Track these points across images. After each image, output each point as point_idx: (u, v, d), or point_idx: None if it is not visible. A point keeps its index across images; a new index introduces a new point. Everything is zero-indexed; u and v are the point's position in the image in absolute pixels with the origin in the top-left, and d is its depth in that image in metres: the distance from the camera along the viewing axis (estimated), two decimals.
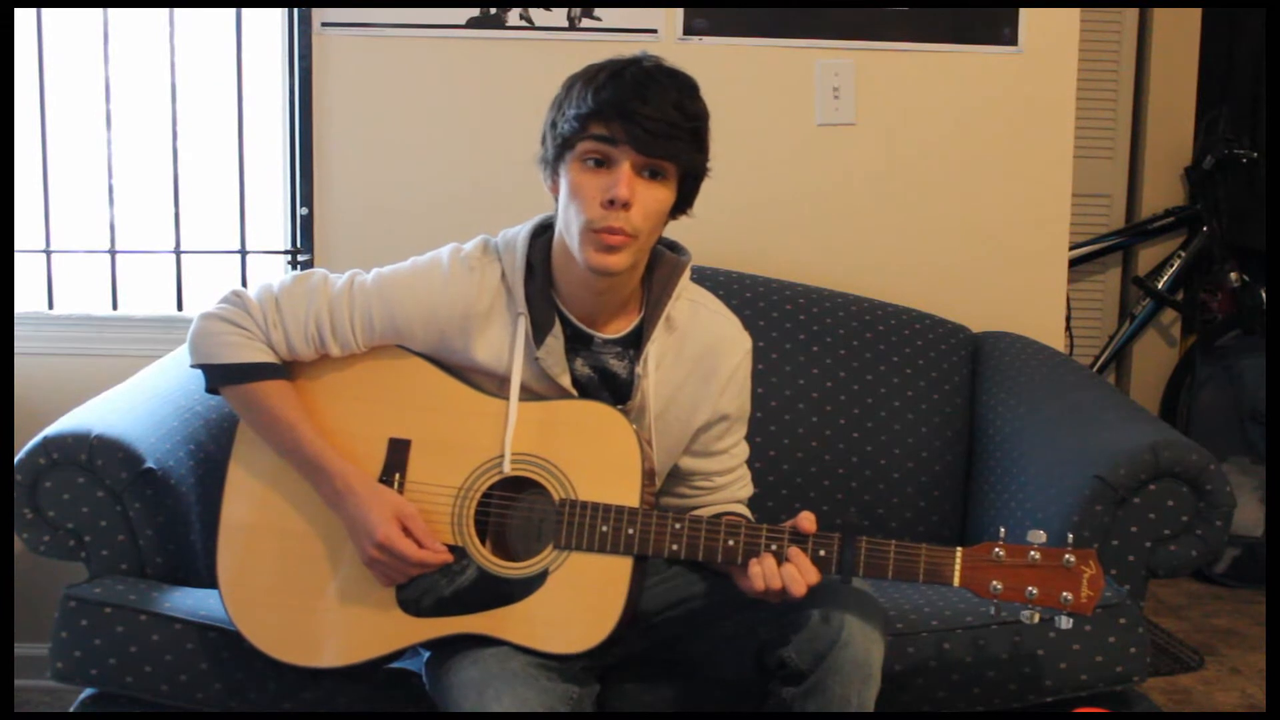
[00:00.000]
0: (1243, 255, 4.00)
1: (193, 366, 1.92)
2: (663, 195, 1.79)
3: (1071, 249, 3.55)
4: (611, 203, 1.75)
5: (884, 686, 1.81)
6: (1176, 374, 4.12)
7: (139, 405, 2.23)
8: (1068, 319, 3.29)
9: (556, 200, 1.84)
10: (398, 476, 1.87)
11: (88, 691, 2.07)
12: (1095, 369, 4.09)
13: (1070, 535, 1.86)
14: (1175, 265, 4.08)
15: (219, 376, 1.88)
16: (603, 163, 1.76)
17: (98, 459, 2.05)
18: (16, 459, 2.06)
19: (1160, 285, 4.09)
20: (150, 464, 2.08)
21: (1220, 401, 3.89)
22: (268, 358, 1.87)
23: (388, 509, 1.82)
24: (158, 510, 2.08)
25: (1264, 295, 3.89)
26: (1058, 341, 2.92)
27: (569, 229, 1.81)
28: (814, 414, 2.62)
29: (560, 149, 1.80)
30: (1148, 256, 4.19)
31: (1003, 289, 2.91)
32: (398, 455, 1.88)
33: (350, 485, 1.84)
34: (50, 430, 2.08)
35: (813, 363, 2.65)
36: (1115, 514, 2.12)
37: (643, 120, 1.73)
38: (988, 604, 1.77)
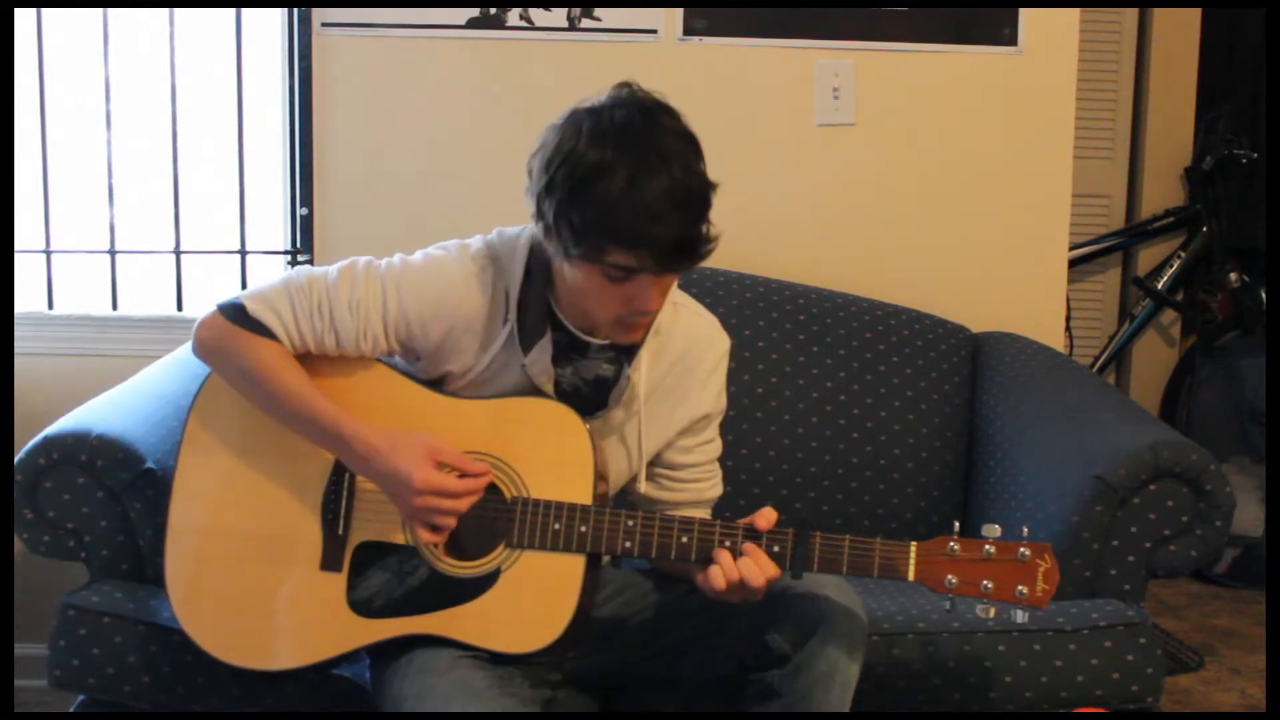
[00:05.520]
0: (1243, 255, 4.00)
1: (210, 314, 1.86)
2: (676, 277, 1.80)
3: (1071, 249, 3.54)
4: (643, 312, 1.75)
5: (888, 688, 1.81)
6: (1176, 374, 4.11)
7: (139, 405, 2.23)
8: (1068, 319, 3.29)
9: (560, 262, 1.80)
10: (348, 476, 1.86)
11: (84, 695, 2.07)
12: (1095, 369, 4.08)
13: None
14: (1175, 265, 4.07)
15: (238, 315, 1.83)
16: (623, 279, 1.73)
17: (98, 459, 2.05)
18: (16, 459, 2.06)
19: (1160, 285, 4.09)
20: (150, 464, 2.08)
21: (1220, 401, 3.89)
22: (280, 336, 1.85)
23: (416, 452, 1.78)
24: (158, 510, 2.07)
25: (1264, 295, 3.89)
26: (1058, 341, 2.92)
27: (587, 309, 1.80)
28: (814, 414, 2.62)
29: (573, 254, 1.73)
30: (1148, 257, 4.18)
31: (1003, 289, 2.91)
32: None
33: (372, 445, 1.79)
34: (50, 430, 2.08)
35: (813, 363, 2.65)
36: (1115, 514, 2.13)
37: (664, 245, 1.69)
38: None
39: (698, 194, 1.72)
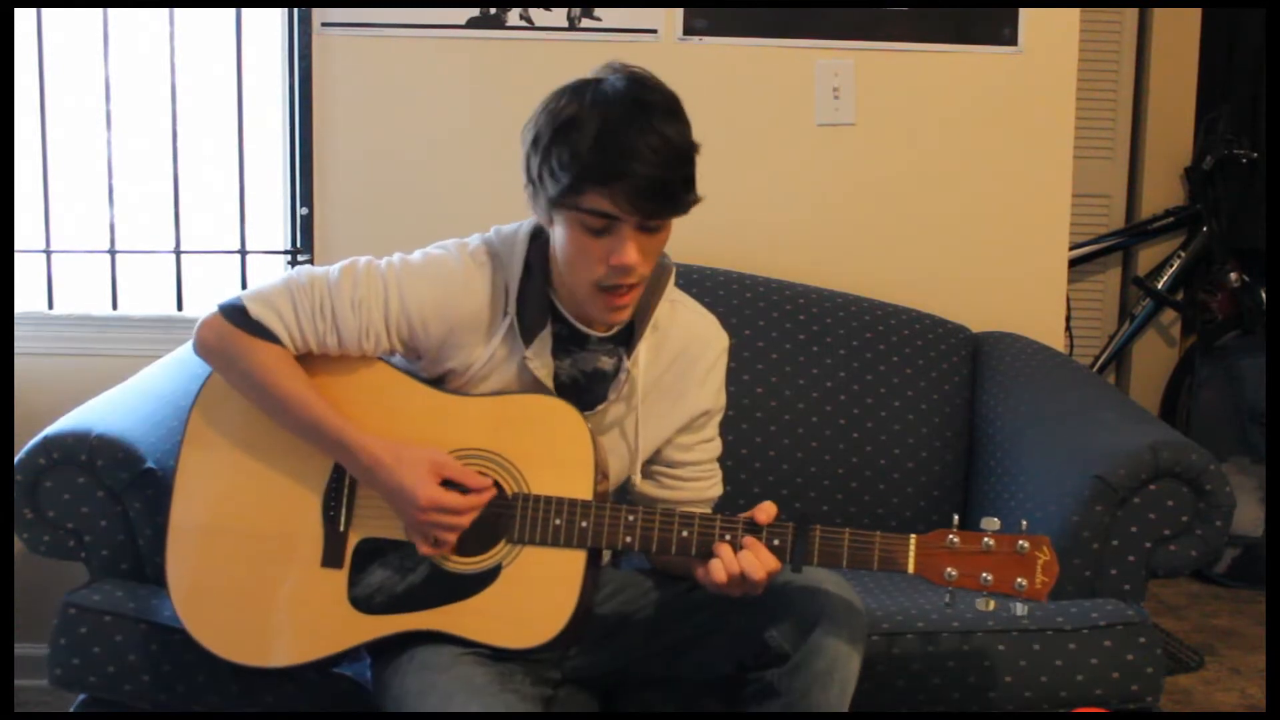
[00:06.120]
0: (1243, 255, 4.00)
1: (211, 314, 1.86)
2: (662, 237, 1.79)
3: (1071, 249, 3.55)
4: (619, 268, 1.75)
5: (888, 687, 1.81)
6: (1176, 374, 4.12)
7: (139, 405, 2.23)
8: (1068, 319, 3.29)
9: (549, 228, 1.83)
10: (349, 475, 1.86)
11: (85, 694, 2.07)
12: (1095, 369, 4.08)
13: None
14: (1175, 265, 4.08)
15: (239, 318, 1.83)
16: (602, 230, 1.74)
17: (98, 459, 2.05)
18: (16, 459, 2.06)
19: (1160, 285, 4.09)
20: (150, 464, 2.08)
21: (1220, 401, 3.89)
22: (282, 338, 1.85)
23: (421, 469, 1.79)
24: (158, 510, 2.08)
25: (1264, 295, 3.89)
26: (1058, 341, 2.92)
27: (571, 277, 1.80)
28: (814, 414, 2.62)
29: (552, 207, 1.77)
30: (1148, 256, 4.19)
31: (1003, 289, 2.91)
32: None
33: (376, 457, 1.80)
34: (50, 430, 2.08)
35: (813, 363, 2.65)
36: (1115, 514, 2.12)
37: (641, 184, 1.70)
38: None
39: (676, 143, 1.73)
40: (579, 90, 1.76)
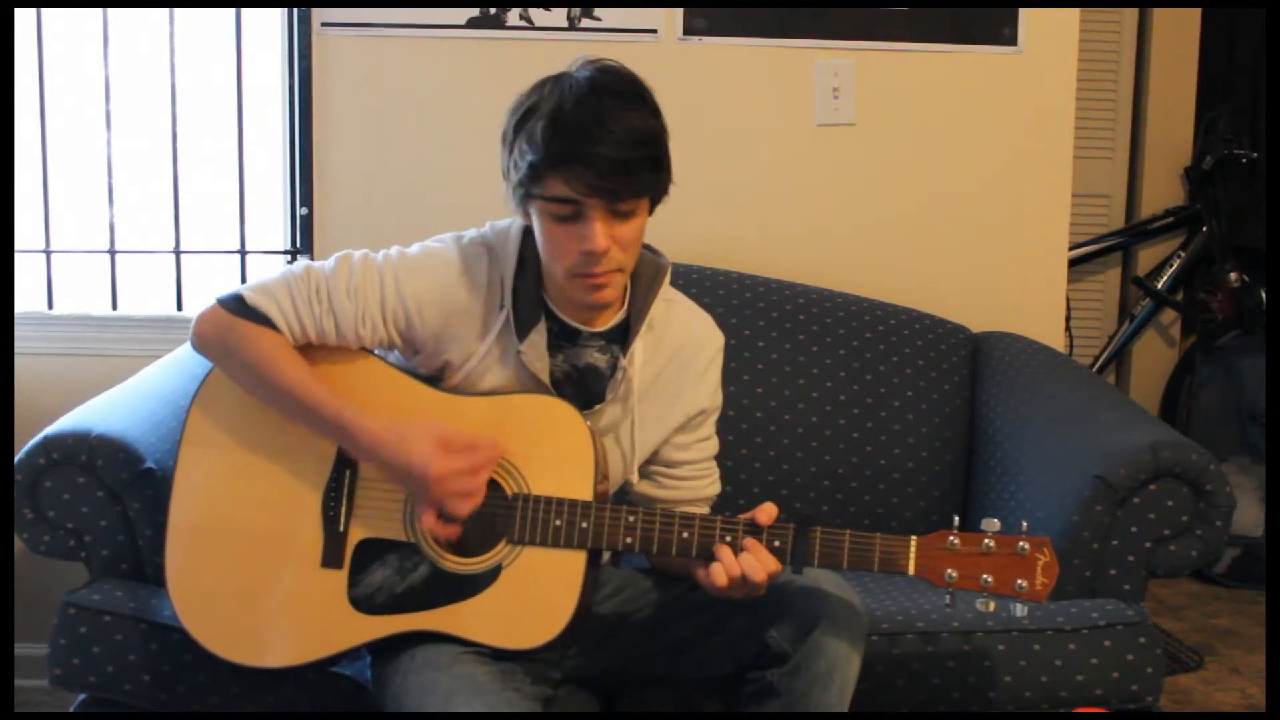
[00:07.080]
0: (1243, 255, 4.00)
1: (207, 309, 1.86)
2: (636, 224, 1.78)
3: (1071, 249, 3.55)
4: (589, 254, 1.75)
5: (888, 687, 1.81)
6: (1176, 374, 4.12)
7: (139, 405, 2.23)
8: (1068, 319, 3.29)
9: (527, 222, 1.84)
10: (349, 473, 1.86)
11: (85, 694, 2.07)
12: (1095, 369, 4.08)
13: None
14: (1175, 265, 4.08)
15: (237, 307, 1.83)
16: (570, 216, 1.75)
17: (98, 459, 2.05)
18: (16, 459, 2.06)
19: (1160, 285, 4.09)
20: (150, 464, 2.08)
21: (1220, 401, 3.89)
22: (279, 324, 1.85)
23: (426, 443, 1.77)
24: (157, 510, 2.07)
25: (1264, 295, 3.89)
26: (1058, 341, 2.92)
27: (550, 267, 1.82)
28: (814, 414, 2.62)
29: (522, 199, 1.79)
30: (1148, 256, 4.19)
31: (1003, 289, 2.91)
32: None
33: (377, 436, 1.79)
34: (50, 430, 2.08)
35: (813, 363, 2.65)
36: (1115, 514, 2.13)
37: (601, 166, 1.70)
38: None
39: (633, 124, 1.73)
40: (542, 84, 1.78)
